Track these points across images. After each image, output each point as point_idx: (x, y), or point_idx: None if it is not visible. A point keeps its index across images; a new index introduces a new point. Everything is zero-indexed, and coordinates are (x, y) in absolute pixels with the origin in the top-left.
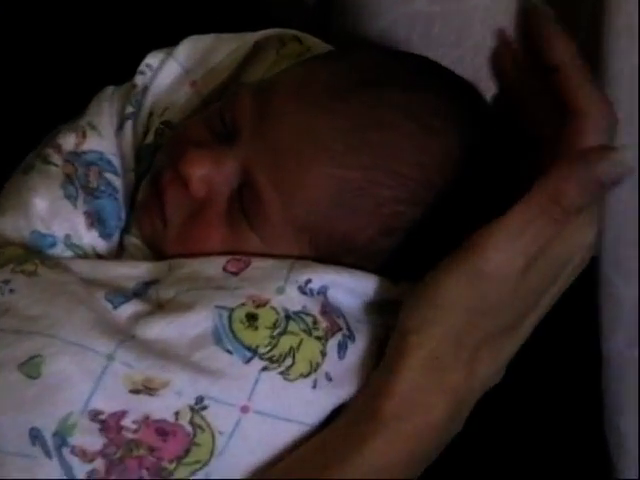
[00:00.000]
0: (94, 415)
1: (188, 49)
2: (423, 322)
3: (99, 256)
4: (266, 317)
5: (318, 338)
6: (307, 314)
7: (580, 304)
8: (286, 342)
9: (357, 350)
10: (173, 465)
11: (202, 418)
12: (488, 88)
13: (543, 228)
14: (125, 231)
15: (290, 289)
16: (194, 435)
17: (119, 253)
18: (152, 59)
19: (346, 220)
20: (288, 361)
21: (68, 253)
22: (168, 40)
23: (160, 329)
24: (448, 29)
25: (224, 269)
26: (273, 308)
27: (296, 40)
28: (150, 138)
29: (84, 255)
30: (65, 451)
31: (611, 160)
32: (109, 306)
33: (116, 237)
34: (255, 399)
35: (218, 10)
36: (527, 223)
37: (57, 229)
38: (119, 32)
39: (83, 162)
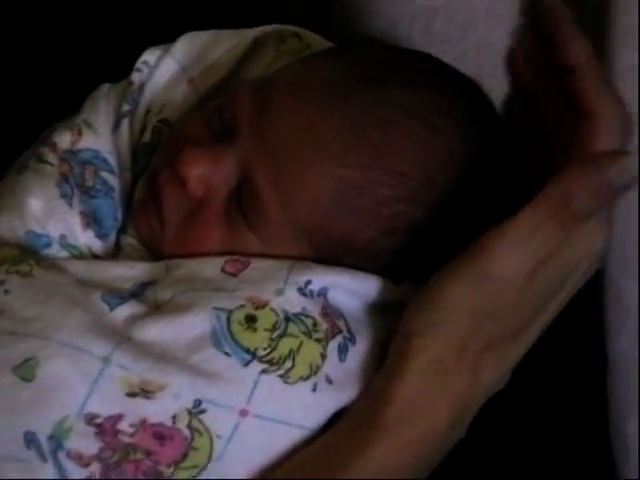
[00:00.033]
0: (90, 418)
1: (186, 46)
2: (427, 325)
3: (95, 256)
4: (265, 319)
5: (318, 340)
6: (307, 316)
7: (586, 306)
8: (286, 344)
9: (358, 353)
10: (170, 469)
11: (200, 422)
12: (491, 85)
13: (551, 233)
14: (122, 231)
15: (290, 290)
16: (192, 439)
17: (115, 253)
18: (149, 56)
19: (346, 220)
20: (288, 364)
21: (64, 253)
22: (165, 36)
23: (157, 331)
24: (450, 25)
25: (222, 270)
26: (272, 310)
27: (296, 36)
28: (147, 136)
29: (80, 255)
30: (61, 455)
31: (623, 164)
32: (105, 307)
33: (112, 237)
34: (254, 402)
35: (216, 6)
36: (536, 227)
37: (52, 229)
38: (115, 28)
39: (79, 161)
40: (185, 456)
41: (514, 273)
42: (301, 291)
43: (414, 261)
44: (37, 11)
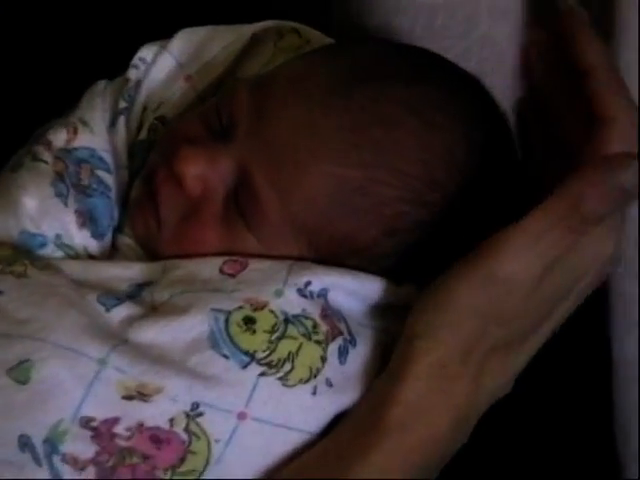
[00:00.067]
0: (86, 422)
1: (183, 42)
2: (431, 327)
3: (91, 257)
4: (264, 321)
5: (318, 342)
6: (307, 317)
7: (591, 305)
8: (285, 347)
9: (358, 355)
10: (167, 474)
11: (198, 425)
12: (494, 82)
13: (561, 236)
14: (118, 231)
15: (289, 292)
16: (189, 443)
17: (112, 254)
18: (146, 52)
19: (347, 220)
20: (287, 366)
21: (59, 253)
22: (162, 32)
23: (154, 333)
24: (453, 21)
25: (220, 271)
26: (271, 311)
27: (295, 32)
28: (144, 134)
29: (75, 256)
30: (55, 459)
31: (636, 168)
32: (101, 309)
33: (108, 237)
34: (253, 406)
35: (214, 2)
36: (544, 230)
37: (47, 229)
38: (111, 24)
39: (74, 159)
40: (182, 460)
41: (522, 275)
42: (301, 292)
43: (416, 262)
44: (33, 8)
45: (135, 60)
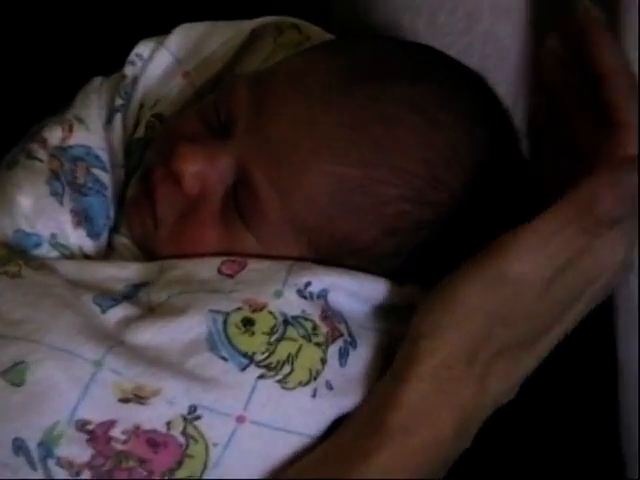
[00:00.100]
0: (81, 425)
1: (180, 38)
2: (437, 327)
3: (86, 256)
4: (263, 322)
5: (318, 344)
6: (306, 319)
7: (597, 305)
8: (284, 348)
9: (359, 357)
10: (165, 478)
11: (195, 428)
12: (497, 79)
13: (573, 237)
14: (114, 230)
15: (288, 292)
16: (187, 446)
17: (108, 253)
18: (142, 48)
19: (347, 220)
20: (286, 369)
21: (54, 253)
22: (160, 28)
23: (151, 334)
24: (455, 17)
25: (219, 271)
26: (271, 313)
27: (295, 28)
28: (140, 132)
29: (71, 255)
30: (50, 462)
31: None
32: (97, 310)
33: (104, 236)
34: (251, 409)
35: None
36: (556, 230)
37: (42, 228)
38: (108, 19)
39: (70, 157)
40: (180, 464)
41: (533, 275)
42: (300, 293)
43: (418, 263)
44: (27, 3)
45: (132, 56)
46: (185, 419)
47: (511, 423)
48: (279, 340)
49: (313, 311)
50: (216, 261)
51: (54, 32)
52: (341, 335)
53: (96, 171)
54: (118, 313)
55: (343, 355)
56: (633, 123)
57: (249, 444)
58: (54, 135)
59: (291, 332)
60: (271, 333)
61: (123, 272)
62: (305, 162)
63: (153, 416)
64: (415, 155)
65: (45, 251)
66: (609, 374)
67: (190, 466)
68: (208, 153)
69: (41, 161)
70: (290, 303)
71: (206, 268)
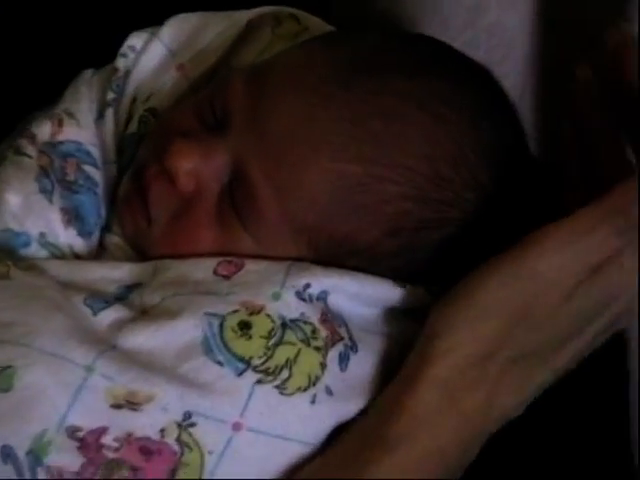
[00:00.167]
0: (72, 432)
1: (175, 29)
2: (452, 325)
3: (77, 256)
4: (261, 325)
5: (317, 349)
6: (305, 322)
7: None
8: (282, 353)
9: (360, 362)
10: None
11: (190, 436)
12: (503, 72)
13: (606, 239)
14: (106, 229)
15: (287, 294)
16: (181, 454)
17: (99, 253)
18: (135, 40)
19: (347, 219)
20: (284, 374)
21: (43, 253)
22: (153, 19)
23: (144, 338)
24: (460, 8)
25: (214, 272)
26: (268, 315)
27: (293, 19)
28: (133, 127)
29: (61, 255)
30: (40, 471)
31: None
32: (88, 312)
33: (96, 236)
34: (248, 415)
35: None
36: (588, 230)
37: (31, 226)
38: (99, 10)
39: (59, 153)
40: (174, 472)
41: (555, 275)
42: (299, 295)
43: (421, 263)
44: None
45: (124, 48)
46: (179, 426)
47: (519, 430)
48: (277, 344)
49: (312, 314)
50: (212, 262)
51: (43, 22)
52: (341, 339)
53: (87, 168)
54: (110, 316)
55: (343, 359)
56: None
57: (246, 452)
58: (43, 130)
59: (289, 336)
60: (269, 337)
61: (115, 273)
62: (304, 159)
63: (146, 423)
64: (417, 152)
65: (34, 251)
66: (620, 376)
67: (184, 475)
68: (203, 150)
69: (30, 157)
70: (288, 306)
71: (201, 269)
